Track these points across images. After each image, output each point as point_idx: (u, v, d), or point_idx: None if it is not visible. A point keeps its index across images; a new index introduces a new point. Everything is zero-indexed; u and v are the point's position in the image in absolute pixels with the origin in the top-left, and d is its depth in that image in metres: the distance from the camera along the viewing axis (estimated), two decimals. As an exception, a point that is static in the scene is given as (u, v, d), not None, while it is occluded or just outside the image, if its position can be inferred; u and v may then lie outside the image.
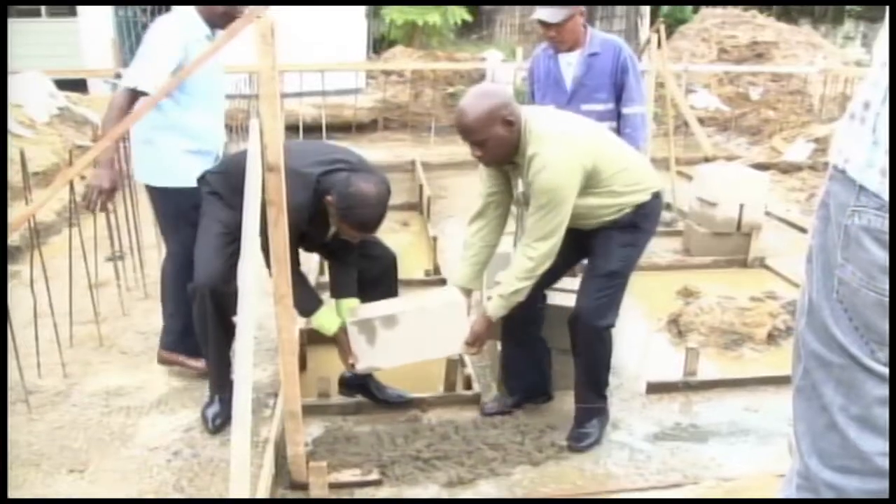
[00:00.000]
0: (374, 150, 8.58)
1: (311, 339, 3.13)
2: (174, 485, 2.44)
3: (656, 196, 2.63)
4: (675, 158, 5.82)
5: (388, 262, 2.85)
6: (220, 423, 2.72)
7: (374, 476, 2.47)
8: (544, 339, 2.79)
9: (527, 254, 2.46)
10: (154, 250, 4.12)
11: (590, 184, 2.47)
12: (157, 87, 2.73)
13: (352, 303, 2.71)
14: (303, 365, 3.13)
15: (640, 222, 2.59)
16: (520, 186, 2.57)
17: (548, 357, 2.86)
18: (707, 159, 7.07)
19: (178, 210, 3.01)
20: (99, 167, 2.86)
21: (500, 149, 2.41)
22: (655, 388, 3.11)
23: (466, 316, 2.61)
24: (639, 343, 3.71)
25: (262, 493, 2.21)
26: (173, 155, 2.98)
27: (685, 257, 4.81)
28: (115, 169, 2.90)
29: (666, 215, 5.62)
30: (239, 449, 1.89)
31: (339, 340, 2.62)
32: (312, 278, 3.39)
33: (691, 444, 2.75)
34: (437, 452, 2.60)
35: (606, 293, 2.57)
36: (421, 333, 2.57)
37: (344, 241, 2.64)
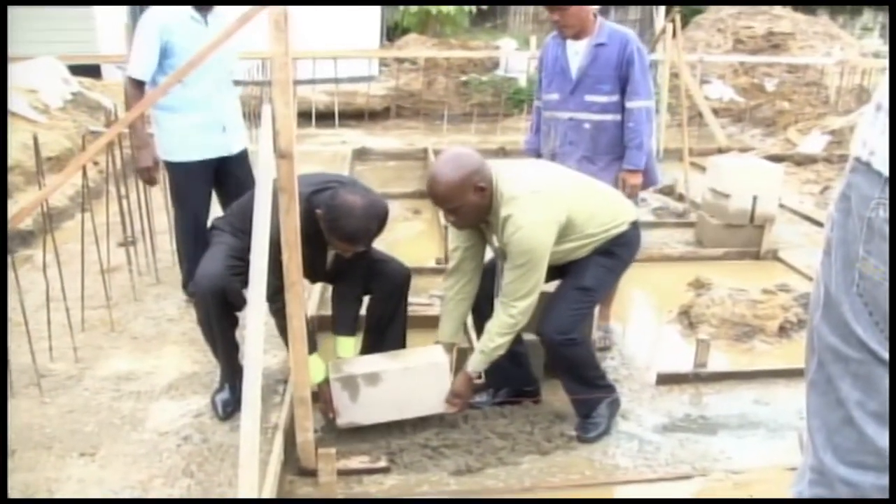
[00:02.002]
0: (386, 138, 8.58)
1: (322, 325, 3.13)
2: (184, 469, 2.45)
3: (633, 226, 2.66)
4: (688, 149, 5.78)
5: (398, 280, 2.84)
6: (230, 409, 2.74)
7: (383, 463, 2.48)
8: (520, 335, 2.74)
9: (507, 311, 2.48)
10: (166, 235, 4.13)
11: (565, 233, 2.50)
12: (145, 73, 3.23)
13: (349, 342, 2.76)
14: (312, 347, 3.09)
15: (616, 250, 2.63)
16: (495, 242, 2.59)
17: (526, 351, 2.83)
18: (721, 150, 7.03)
19: (184, 182, 3.43)
20: (139, 150, 3.34)
21: (473, 214, 2.44)
22: (665, 380, 3.09)
23: (449, 375, 2.63)
24: (649, 334, 3.68)
25: (271, 479, 2.21)
26: (176, 131, 3.35)
27: (697, 249, 4.77)
28: (151, 147, 3.37)
29: (679, 206, 5.62)
30: (248, 435, 1.89)
31: (321, 392, 2.63)
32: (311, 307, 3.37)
33: (701, 436, 2.73)
34: (446, 441, 2.60)
35: (575, 308, 2.58)
36: (403, 392, 2.59)
37: (347, 262, 2.65)
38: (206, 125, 3.39)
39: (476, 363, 2.59)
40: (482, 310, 2.67)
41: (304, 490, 2.37)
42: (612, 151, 3.24)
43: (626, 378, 3.13)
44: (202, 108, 3.36)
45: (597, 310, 3.20)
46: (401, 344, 2.89)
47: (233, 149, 3.52)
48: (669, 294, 3.98)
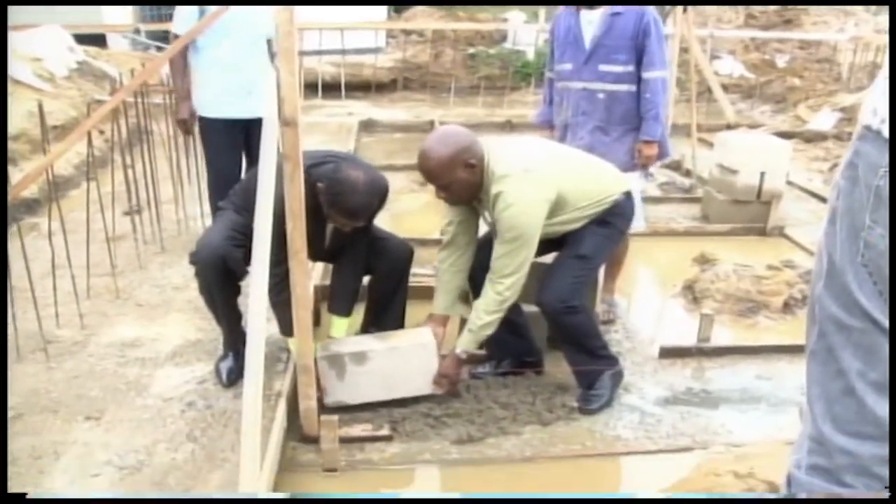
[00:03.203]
0: (393, 110, 8.53)
1: (326, 294, 3.12)
2: (188, 434, 2.48)
3: (626, 196, 2.69)
4: (696, 125, 5.73)
5: (399, 258, 2.86)
6: (233, 376, 2.75)
7: (385, 432, 2.50)
8: (519, 306, 2.76)
9: (495, 289, 2.49)
10: (171, 205, 4.15)
11: (557, 209, 2.52)
12: (182, 28, 3.44)
13: (342, 323, 2.78)
14: (316, 320, 3.14)
15: (611, 220, 2.65)
16: (488, 217, 2.60)
17: (526, 322, 2.84)
18: (729, 126, 6.96)
19: (212, 139, 3.67)
20: (178, 103, 3.69)
21: (464, 191, 2.47)
22: (668, 353, 3.10)
23: (436, 356, 2.64)
24: (653, 308, 3.69)
25: (274, 446, 2.23)
26: (208, 88, 3.60)
27: (703, 224, 4.76)
28: (189, 101, 3.64)
29: (685, 182, 5.59)
30: (251, 401, 1.92)
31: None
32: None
33: (702, 409, 2.74)
34: (448, 410, 2.62)
35: (574, 276, 2.59)
36: (390, 372, 2.61)
37: (348, 239, 2.66)
38: (233, 87, 3.57)
39: (465, 342, 2.60)
40: (479, 282, 2.67)
41: (307, 457, 2.39)
42: (626, 122, 3.24)
43: (629, 351, 3.14)
44: (230, 69, 3.55)
45: (601, 282, 3.23)
46: (399, 323, 2.91)
47: (258, 113, 3.52)
48: (674, 269, 3.98)
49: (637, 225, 3.19)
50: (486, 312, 2.53)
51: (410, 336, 2.71)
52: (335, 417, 2.31)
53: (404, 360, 2.62)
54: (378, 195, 2.53)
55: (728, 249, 4.17)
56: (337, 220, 2.54)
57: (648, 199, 4.67)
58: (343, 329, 2.80)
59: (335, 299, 2.82)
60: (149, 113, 4.01)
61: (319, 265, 3.54)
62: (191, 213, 4.26)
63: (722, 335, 3.28)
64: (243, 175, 3.58)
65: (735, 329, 3.40)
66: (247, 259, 2.45)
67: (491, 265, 2.52)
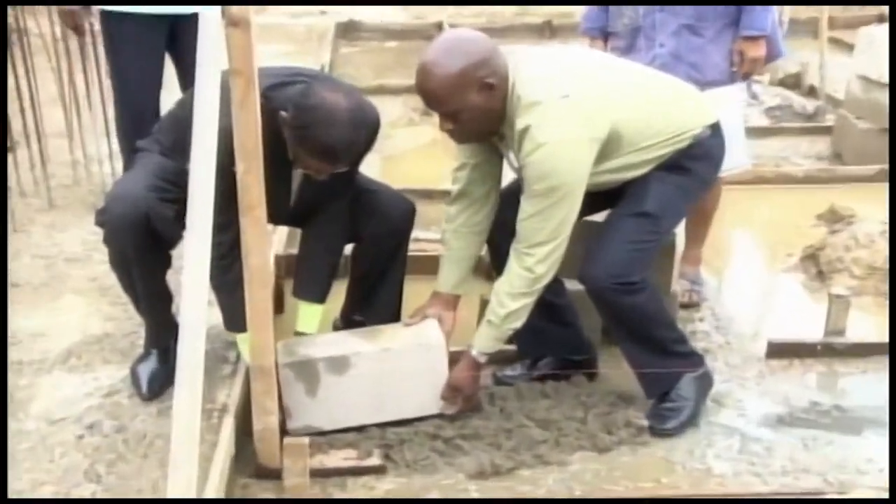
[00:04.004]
0: (385, 8, 8.47)
1: (292, 269, 3.12)
2: (86, 471, 2.45)
3: (713, 130, 2.68)
4: (827, 18, 5.65)
5: (395, 219, 2.88)
6: (157, 385, 2.76)
7: (375, 461, 2.51)
8: (561, 283, 2.77)
9: (523, 262, 2.51)
10: (61, 140, 4.15)
11: (610, 150, 2.55)
12: None
13: (314, 312, 2.80)
14: (278, 306, 3.15)
15: (689, 165, 2.66)
16: (513, 160, 2.60)
17: (571, 305, 2.87)
18: (882, 19, 6.84)
19: (122, 47, 3.58)
20: None
21: (479, 122, 2.50)
22: (781, 352, 3.09)
23: (446, 360, 2.67)
24: (757, 287, 3.69)
25: (216, 481, 2.24)
26: None
27: (834, 165, 4.74)
28: None
29: (807, 104, 5.55)
30: (184, 420, 1.90)
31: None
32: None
33: (835, 434, 2.71)
34: (464, 430, 2.63)
35: (634, 242, 2.60)
36: (382, 385, 2.63)
37: (322, 193, 2.69)
38: None
39: (484, 339, 2.63)
40: (502, 250, 2.67)
41: (265, 497, 2.41)
42: (724, 15, 3.22)
43: (721, 348, 3.14)
44: None
45: (679, 250, 3.22)
46: (394, 310, 2.95)
47: (190, 6, 3.46)
48: (789, 231, 3.98)
49: (737, 162, 3.17)
50: (510, 297, 2.54)
51: (409, 333, 2.73)
52: (305, 441, 2.32)
53: (401, 366, 2.63)
54: (365, 128, 2.53)
55: (871, 201, 4.15)
56: (308, 164, 2.54)
57: (752, 131, 4.64)
58: (315, 321, 2.81)
59: (304, 278, 2.84)
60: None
61: (283, 230, 3.56)
62: (91, 152, 4.24)
63: (862, 326, 3.26)
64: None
65: (882, 318, 3.37)
66: (180, 219, 2.41)
67: (517, 229, 2.53)
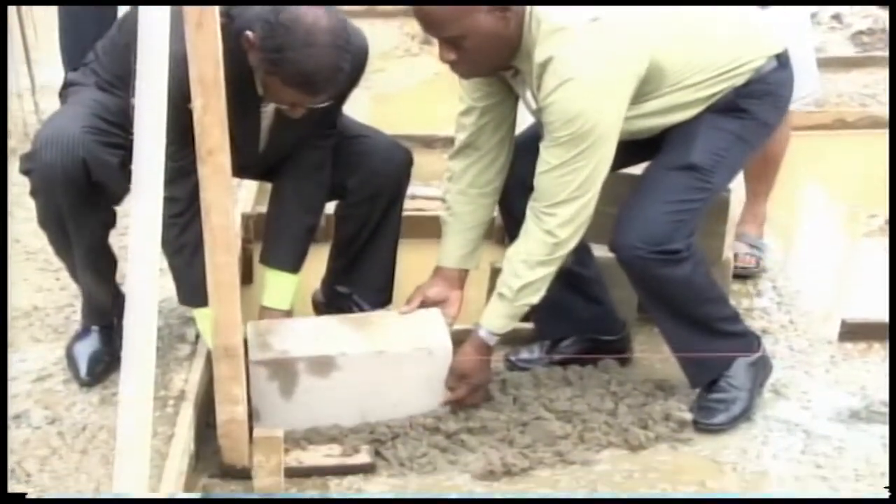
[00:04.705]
0: None
1: (262, 233, 3.13)
2: (13, 470, 2.48)
3: (779, 62, 2.67)
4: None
5: (389, 169, 2.91)
6: (100, 368, 2.82)
7: (364, 458, 2.55)
8: (588, 250, 2.82)
9: (543, 225, 2.53)
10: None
11: (648, 88, 2.55)
12: None
13: (286, 283, 2.83)
14: (247, 273, 3.21)
15: (747, 105, 2.66)
16: (531, 101, 2.60)
17: (599, 277, 2.91)
18: None
19: None
20: None
21: (488, 51, 2.48)
22: (857, 333, 3.11)
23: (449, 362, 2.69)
24: (831, 255, 3.70)
25: (172, 481, 2.29)
26: None
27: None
28: None
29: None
30: (132, 410, 1.95)
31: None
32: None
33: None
34: (470, 423, 2.67)
35: (677, 201, 2.61)
36: (371, 390, 2.66)
37: (299, 132, 2.71)
38: None
39: (494, 316, 2.66)
40: (517, 211, 2.70)
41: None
42: None
43: (783, 328, 3.18)
44: None
45: (735, 209, 3.26)
46: (385, 280, 3.00)
47: None
48: (874, 186, 3.91)
49: (807, 90, 3.18)
50: (527, 265, 2.57)
51: (408, 330, 2.75)
52: (279, 433, 2.37)
53: (396, 373, 2.68)
54: (348, 53, 2.50)
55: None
56: (281, 97, 2.52)
57: (828, 63, 4.64)
58: (286, 294, 2.85)
59: (275, 242, 2.87)
60: None
61: (251, 183, 3.58)
62: (14, 85, 4.17)
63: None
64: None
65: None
66: (125, 168, 2.33)
67: (536, 184, 2.55)
